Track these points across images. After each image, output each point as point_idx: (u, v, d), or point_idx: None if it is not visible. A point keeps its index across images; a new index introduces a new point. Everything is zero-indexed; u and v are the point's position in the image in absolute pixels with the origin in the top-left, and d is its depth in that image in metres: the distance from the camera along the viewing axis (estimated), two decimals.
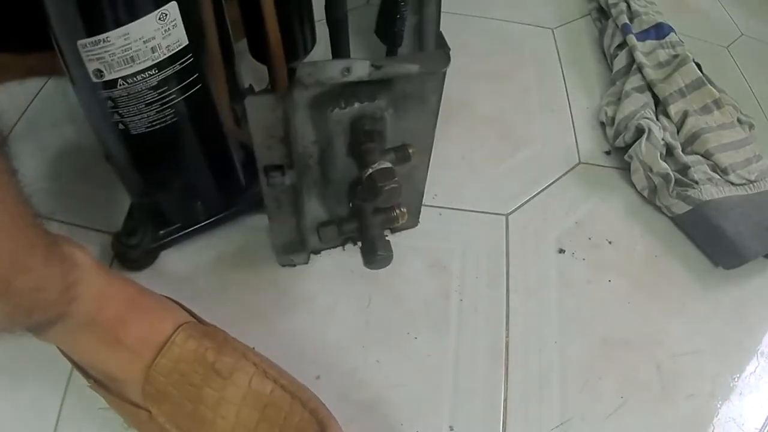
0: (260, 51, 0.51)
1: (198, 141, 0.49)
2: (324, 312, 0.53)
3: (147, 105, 0.42)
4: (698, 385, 0.51)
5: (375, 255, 0.43)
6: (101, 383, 0.43)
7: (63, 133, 0.65)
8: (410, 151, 0.43)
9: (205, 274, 0.50)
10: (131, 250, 0.53)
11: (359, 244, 0.56)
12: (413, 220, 0.59)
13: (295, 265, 0.56)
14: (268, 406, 0.43)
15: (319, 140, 0.43)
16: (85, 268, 0.39)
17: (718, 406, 0.50)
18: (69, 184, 0.61)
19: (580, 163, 0.68)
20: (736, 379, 0.52)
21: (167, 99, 0.43)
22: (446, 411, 0.48)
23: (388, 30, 0.61)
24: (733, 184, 0.62)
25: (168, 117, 0.44)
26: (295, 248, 0.54)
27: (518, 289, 0.56)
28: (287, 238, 0.53)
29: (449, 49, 0.40)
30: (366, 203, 0.45)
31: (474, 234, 0.60)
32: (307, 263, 0.56)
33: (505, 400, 0.49)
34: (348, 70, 0.38)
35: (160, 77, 0.41)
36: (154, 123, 0.44)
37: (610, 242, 0.60)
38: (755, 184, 0.62)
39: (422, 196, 0.56)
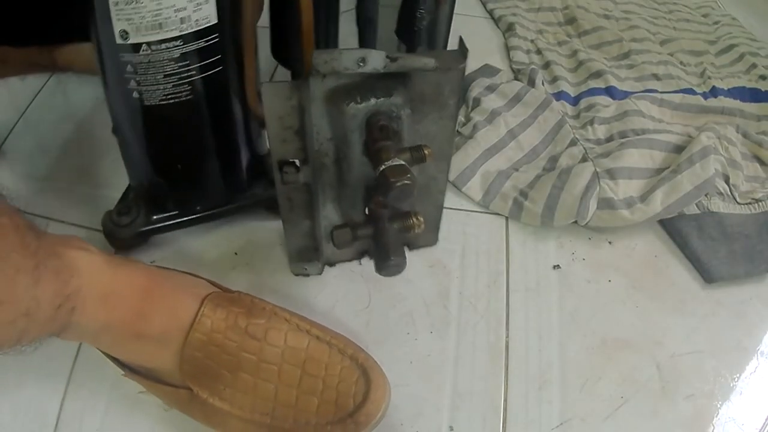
0: (283, 50, 0.50)
1: (209, 125, 0.49)
2: (324, 312, 0.53)
3: (165, 76, 0.42)
4: (698, 385, 0.51)
5: (387, 261, 0.42)
6: (135, 370, 0.43)
7: (63, 133, 0.65)
8: (426, 151, 0.42)
9: (204, 273, 0.49)
10: (120, 230, 0.53)
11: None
12: (432, 237, 0.57)
13: (308, 275, 0.55)
14: (307, 360, 0.43)
15: (335, 137, 0.43)
16: (88, 272, 0.38)
17: (718, 406, 0.50)
18: (69, 184, 0.61)
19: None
20: (736, 379, 0.52)
21: (186, 74, 0.43)
22: (446, 411, 0.48)
23: (407, 29, 0.60)
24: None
25: (183, 93, 0.44)
26: (309, 255, 0.53)
27: (518, 289, 0.56)
28: (301, 243, 0.52)
29: (467, 50, 0.40)
30: (382, 209, 0.44)
31: (474, 234, 0.60)
32: (320, 274, 0.55)
33: (505, 400, 0.49)
34: (363, 60, 0.37)
35: (184, 50, 0.41)
36: (168, 96, 0.44)
37: (610, 242, 0.60)
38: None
39: (441, 210, 0.54)
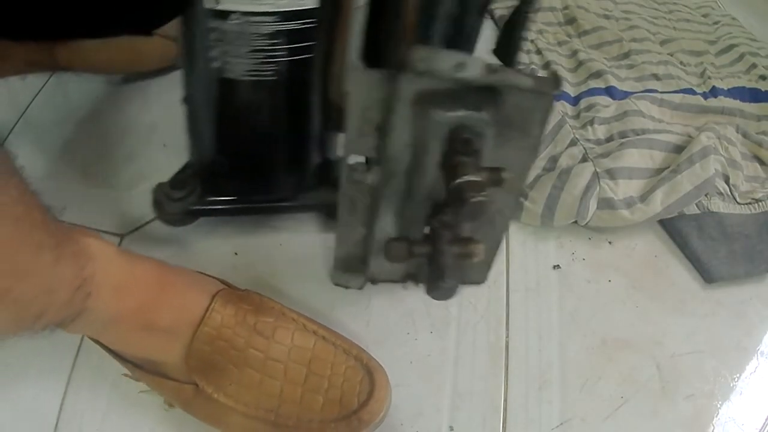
0: (375, 49, 0.48)
1: (286, 112, 0.47)
2: (324, 312, 0.53)
3: (252, 51, 0.41)
4: (698, 385, 0.51)
5: (441, 282, 0.40)
6: (139, 366, 0.43)
7: (63, 133, 0.65)
8: (504, 175, 0.39)
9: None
10: (171, 203, 0.51)
11: (421, 285, 0.53)
12: (483, 275, 0.55)
13: (347, 288, 0.54)
14: (313, 359, 0.43)
15: (414, 143, 0.41)
16: (103, 260, 0.39)
17: (718, 406, 0.50)
18: (69, 183, 0.61)
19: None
20: (736, 379, 0.52)
21: (274, 53, 0.41)
22: (446, 411, 0.48)
23: (507, 49, 0.58)
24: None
25: (267, 72, 0.42)
26: (354, 266, 0.52)
27: (518, 289, 0.56)
28: (350, 251, 0.51)
29: (560, 79, 0.39)
30: (444, 230, 0.42)
31: None
32: (361, 289, 0.55)
33: (505, 400, 0.49)
34: (462, 65, 0.36)
35: (277, 28, 0.40)
36: (251, 73, 0.42)
37: (610, 242, 0.60)
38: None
39: (498, 246, 0.51)
